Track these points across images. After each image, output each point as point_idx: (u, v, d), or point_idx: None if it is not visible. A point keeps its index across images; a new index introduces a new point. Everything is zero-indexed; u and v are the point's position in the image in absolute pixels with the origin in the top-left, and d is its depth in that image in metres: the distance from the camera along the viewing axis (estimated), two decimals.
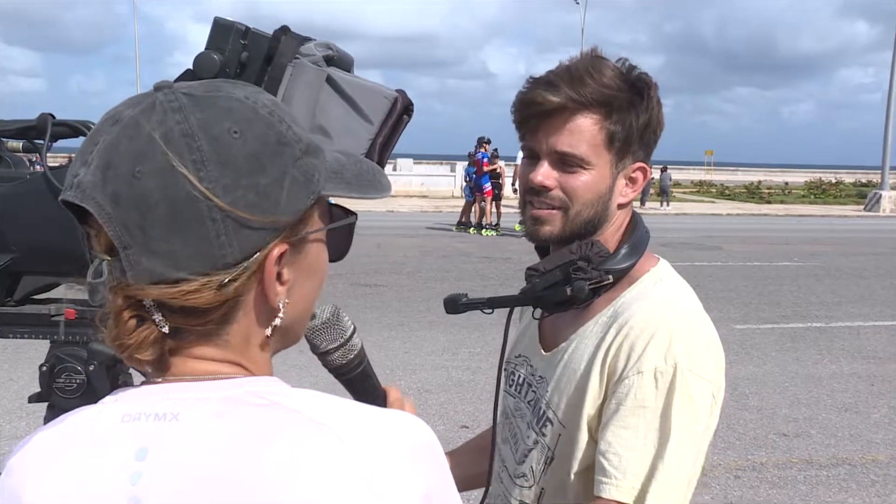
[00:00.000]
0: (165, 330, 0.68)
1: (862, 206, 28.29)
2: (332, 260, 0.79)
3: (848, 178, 44.50)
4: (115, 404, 0.70)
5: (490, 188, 16.95)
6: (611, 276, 1.21)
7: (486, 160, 16.82)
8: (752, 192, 34.34)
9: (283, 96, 1.14)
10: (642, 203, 26.20)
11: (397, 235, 16.05)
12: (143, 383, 0.73)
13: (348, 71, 1.23)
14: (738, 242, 16.20)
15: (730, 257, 13.80)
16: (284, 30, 1.16)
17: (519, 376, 1.39)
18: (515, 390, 1.40)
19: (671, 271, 1.29)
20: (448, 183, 28.67)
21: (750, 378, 6.27)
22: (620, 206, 1.27)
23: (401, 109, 1.19)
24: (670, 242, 15.42)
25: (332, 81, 1.16)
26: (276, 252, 0.68)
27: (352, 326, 1.07)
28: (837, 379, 6.37)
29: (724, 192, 35.28)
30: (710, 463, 4.55)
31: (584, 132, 1.19)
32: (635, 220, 1.31)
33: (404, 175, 29.03)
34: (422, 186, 28.48)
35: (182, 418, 0.66)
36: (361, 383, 1.09)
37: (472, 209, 17.51)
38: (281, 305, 0.71)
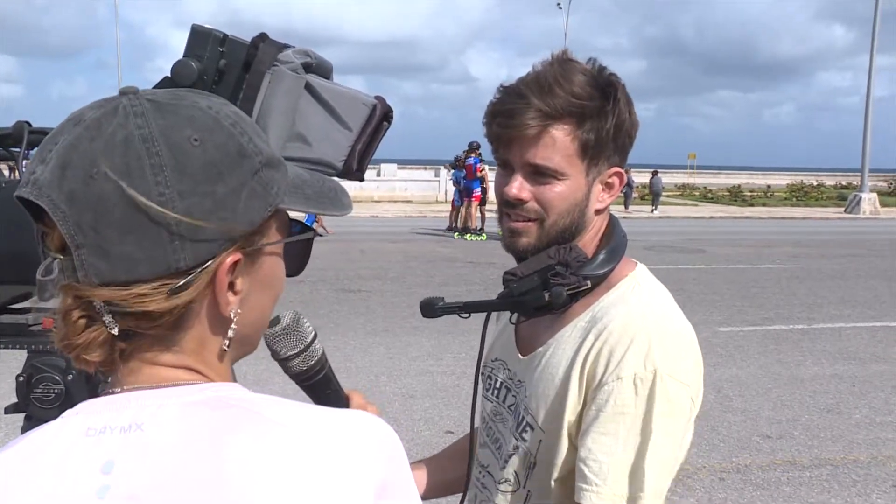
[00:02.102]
0: (115, 331, 0.68)
1: (843, 209, 28.57)
2: (289, 274, 0.80)
3: (829, 181, 44.93)
4: (76, 417, 0.70)
5: (479, 193, 16.99)
6: (589, 282, 1.22)
7: (478, 165, 16.87)
8: (735, 195, 34.58)
9: (261, 104, 1.14)
10: (626, 207, 26.34)
11: (381, 241, 16.03)
12: (103, 393, 0.72)
13: (327, 78, 1.23)
14: (722, 245, 16.31)
15: (713, 260, 13.88)
16: (263, 37, 1.15)
17: (497, 380, 1.39)
18: (493, 394, 1.39)
19: (649, 276, 1.29)
20: (432, 188, 28.68)
21: (733, 380, 6.30)
22: (598, 212, 1.27)
23: (380, 116, 1.18)
24: (654, 246, 15.49)
25: (310, 88, 1.16)
26: (228, 261, 0.68)
27: (312, 332, 1.08)
28: (819, 380, 6.42)
29: (707, 196, 35.50)
30: (688, 463, 4.57)
31: (556, 144, 1.19)
32: (613, 225, 1.31)
33: (388, 180, 29.02)
34: (406, 191, 28.47)
35: (146, 428, 0.66)
36: (322, 389, 1.10)
37: (459, 214, 17.52)
38: (233, 315, 0.71)
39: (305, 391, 1.09)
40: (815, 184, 40.40)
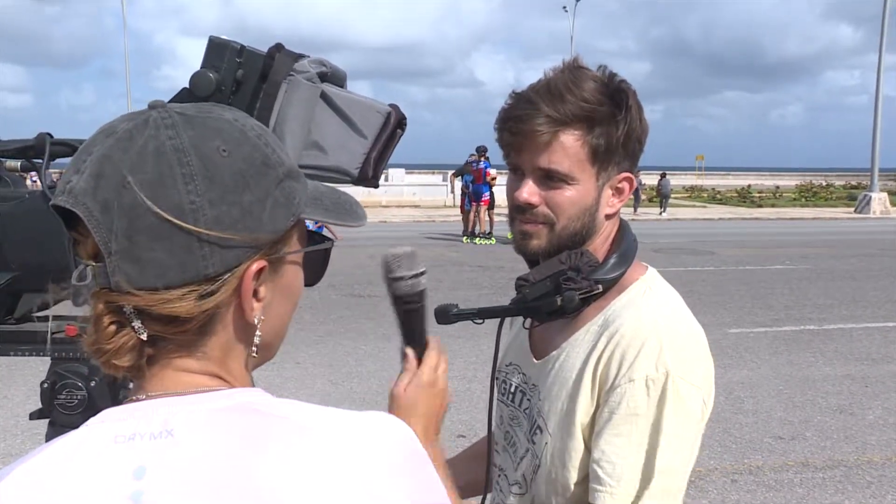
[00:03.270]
0: (144, 337, 0.70)
1: (852, 209, 28.44)
2: (307, 284, 0.82)
3: (838, 181, 44.74)
4: (101, 426, 0.71)
5: (488, 197, 16.98)
6: (600, 286, 1.23)
7: (488, 169, 16.86)
8: (744, 197, 34.49)
9: (278, 113, 1.16)
10: (634, 210, 26.30)
11: (390, 245, 15.95)
12: (127, 401, 0.74)
13: (341, 86, 1.25)
14: (731, 247, 16.26)
15: (723, 262, 13.85)
16: (279, 47, 1.17)
17: (511, 385, 1.41)
18: (509, 399, 1.41)
19: (660, 279, 1.31)
20: (440, 192, 28.69)
21: (744, 382, 6.29)
22: (608, 217, 1.29)
23: (394, 124, 1.20)
24: (663, 248, 15.47)
25: (326, 97, 1.18)
26: (254, 267, 0.71)
27: (424, 267, 1.16)
28: (831, 381, 6.40)
29: (716, 197, 35.42)
30: (700, 465, 4.57)
31: (567, 149, 1.20)
32: (623, 229, 1.33)
33: (396, 185, 29.04)
34: (414, 196, 28.50)
35: (177, 434, 0.68)
36: (415, 320, 1.17)
37: (470, 218, 17.51)
38: (257, 321, 0.73)
39: (400, 317, 1.16)
40: (824, 184, 40.25)
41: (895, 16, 28.16)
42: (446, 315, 1.35)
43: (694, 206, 31.01)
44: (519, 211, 1.27)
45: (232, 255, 0.69)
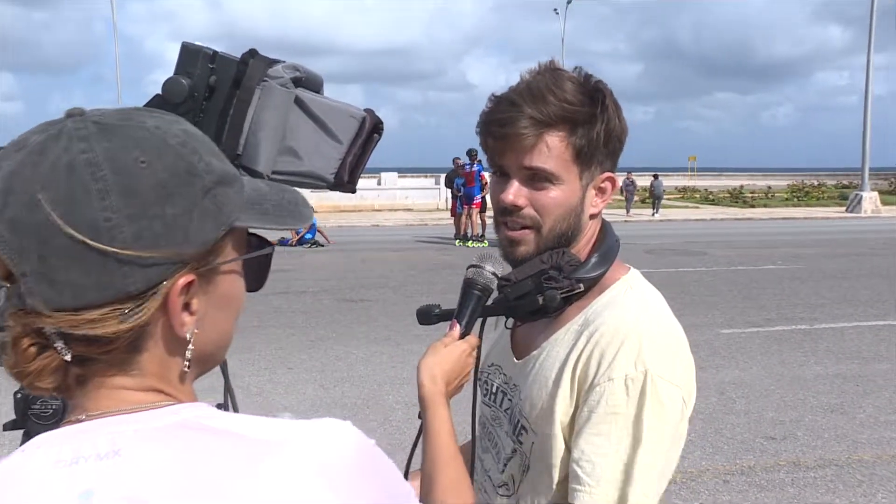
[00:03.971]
0: (68, 358, 0.67)
1: (844, 208, 28.55)
2: (249, 290, 0.80)
3: (830, 181, 44.92)
4: (38, 451, 0.68)
5: (479, 200, 17.00)
6: (582, 285, 1.24)
7: (482, 172, 16.85)
8: (736, 197, 34.59)
9: (252, 119, 1.16)
10: (627, 211, 26.34)
11: (382, 250, 16.04)
12: (64, 423, 0.70)
13: (318, 91, 1.25)
14: (723, 247, 16.31)
15: (714, 262, 13.88)
16: (252, 53, 1.17)
17: (493, 385, 1.41)
18: (490, 399, 1.41)
19: (641, 279, 1.31)
20: (433, 196, 28.70)
21: (736, 382, 6.30)
22: (592, 217, 1.29)
23: (369, 128, 1.20)
24: (655, 249, 15.51)
25: (300, 103, 1.18)
26: (181, 282, 0.68)
27: (500, 274, 1.29)
28: (823, 380, 6.41)
29: (708, 198, 35.50)
30: (692, 466, 4.57)
31: (551, 150, 1.21)
32: (605, 230, 1.33)
33: (388, 189, 29.03)
34: (406, 200, 28.50)
35: (124, 454, 0.65)
36: (468, 303, 1.28)
37: (462, 221, 17.51)
38: (189, 336, 0.70)
39: (461, 296, 1.29)
40: (815, 184, 40.40)
41: (883, 16, 28.32)
42: (428, 316, 1.35)
43: (686, 206, 31.09)
44: (505, 213, 1.27)
45: (155, 272, 0.66)
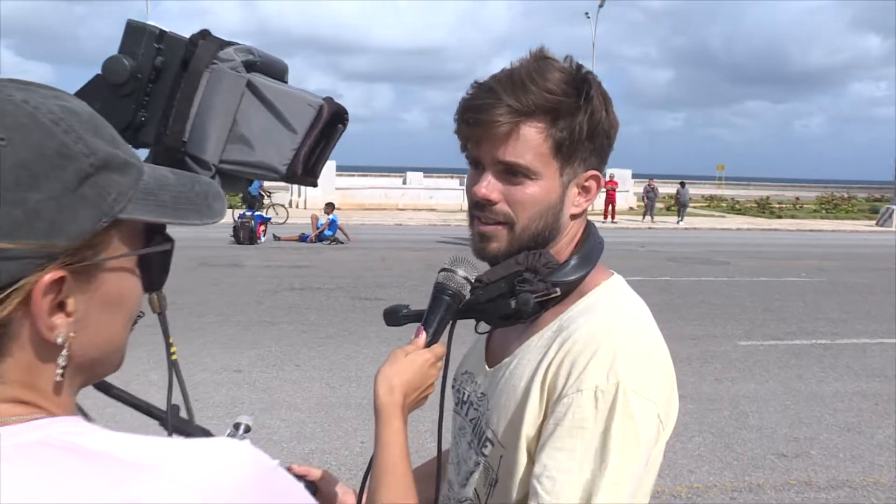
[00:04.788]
0: None
1: (874, 222, 28.08)
2: (147, 290, 0.72)
3: (861, 194, 44.24)
4: None
5: None
6: (558, 289, 1.15)
7: None
8: (763, 207, 34.15)
9: (199, 104, 1.09)
10: (651, 218, 26.09)
11: (403, 249, 16.00)
12: None
13: (280, 79, 1.17)
14: (747, 257, 16.05)
15: (737, 272, 13.66)
16: (203, 34, 1.10)
17: (465, 394, 1.33)
18: (461, 409, 1.33)
19: (624, 285, 1.22)
20: (457, 196, 28.65)
21: (751, 396, 6.15)
22: (573, 217, 1.21)
23: (327, 118, 1.12)
24: (677, 257, 15.30)
25: (253, 88, 1.10)
26: (46, 279, 0.60)
27: (472, 280, 1.19)
28: (841, 398, 6.24)
29: (735, 207, 35.09)
30: (699, 481, 4.44)
31: (528, 141, 1.13)
32: (588, 231, 1.25)
33: (413, 189, 29.04)
34: (430, 200, 28.47)
35: None
36: (437, 309, 1.19)
37: None
38: (60, 340, 0.62)
39: (430, 301, 1.20)
40: (846, 196, 39.79)
41: None
42: (395, 316, 1.27)
43: (712, 215, 30.76)
44: (477, 207, 1.19)
45: (14, 266, 0.58)
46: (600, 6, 44.24)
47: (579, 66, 1.16)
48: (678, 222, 25.78)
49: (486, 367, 1.28)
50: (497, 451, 1.18)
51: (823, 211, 33.84)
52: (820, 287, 12.11)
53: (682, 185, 27.36)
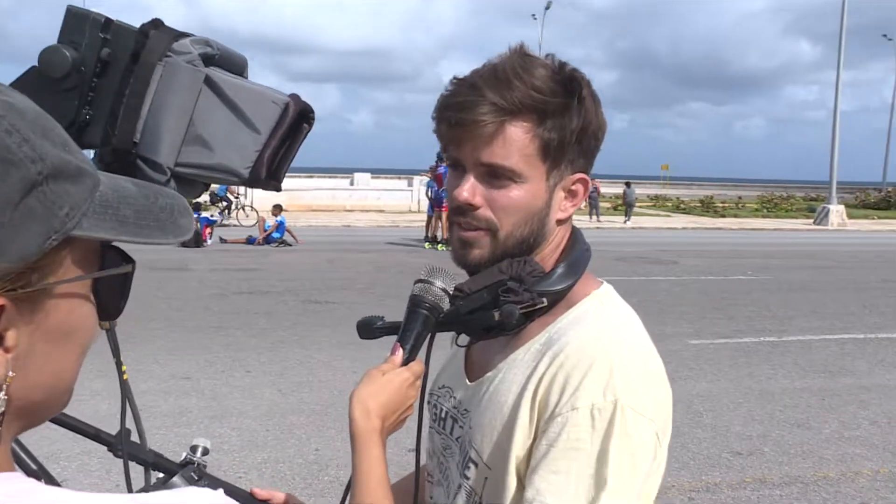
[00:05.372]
0: None
1: (812, 220, 28.86)
2: (103, 318, 0.62)
3: (798, 193, 45.51)
4: None
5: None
6: (545, 299, 1.08)
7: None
8: (707, 206, 34.80)
9: (153, 100, 0.99)
10: (597, 218, 26.37)
11: (351, 251, 15.83)
12: None
13: (241, 75, 1.08)
14: (694, 256, 16.31)
15: (685, 271, 13.85)
16: (155, 23, 1.00)
17: (443, 409, 1.25)
18: (440, 426, 1.25)
19: (615, 295, 1.16)
20: (405, 197, 28.52)
21: (704, 395, 6.20)
22: (559, 222, 1.14)
23: (293, 117, 1.04)
24: (626, 257, 15.46)
25: (211, 84, 1.01)
26: None
27: (450, 291, 1.12)
28: (790, 394, 6.34)
29: (680, 207, 35.70)
30: None
31: (514, 142, 1.06)
32: (575, 237, 1.18)
33: (361, 190, 28.81)
34: (378, 201, 28.27)
35: None
36: (413, 323, 1.11)
37: (432, 223, 17.36)
38: None
39: (406, 314, 1.13)
40: (784, 196, 40.87)
41: (851, 34, 28.68)
42: (369, 329, 1.19)
43: (658, 215, 31.22)
44: (458, 212, 1.11)
45: None
46: (546, 8, 44.64)
47: (563, 64, 1.09)
48: (625, 222, 26.09)
49: (467, 381, 1.20)
50: (482, 472, 1.10)
51: (765, 210, 34.65)
52: (765, 285, 12.35)
53: (628, 185, 27.71)
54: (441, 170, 16.76)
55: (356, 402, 1.04)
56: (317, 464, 4.61)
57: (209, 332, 7.86)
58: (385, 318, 1.20)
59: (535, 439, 1.04)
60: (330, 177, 29.73)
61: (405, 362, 1.10)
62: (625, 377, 1.00)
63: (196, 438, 1.34)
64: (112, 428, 1.25)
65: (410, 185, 28.83)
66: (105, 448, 1.26)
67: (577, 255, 1.14)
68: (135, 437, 1.26)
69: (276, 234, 16.87)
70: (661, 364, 1.07)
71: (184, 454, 1.32)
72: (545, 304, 1.08)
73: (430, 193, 17.43)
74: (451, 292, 1.11)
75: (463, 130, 1.07)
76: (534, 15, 45.49)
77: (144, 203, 0.60)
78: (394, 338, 1.15)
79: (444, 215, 16.92)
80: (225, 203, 18.37)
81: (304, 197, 25.71)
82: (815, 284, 12.54)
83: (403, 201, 28.36)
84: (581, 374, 1.01)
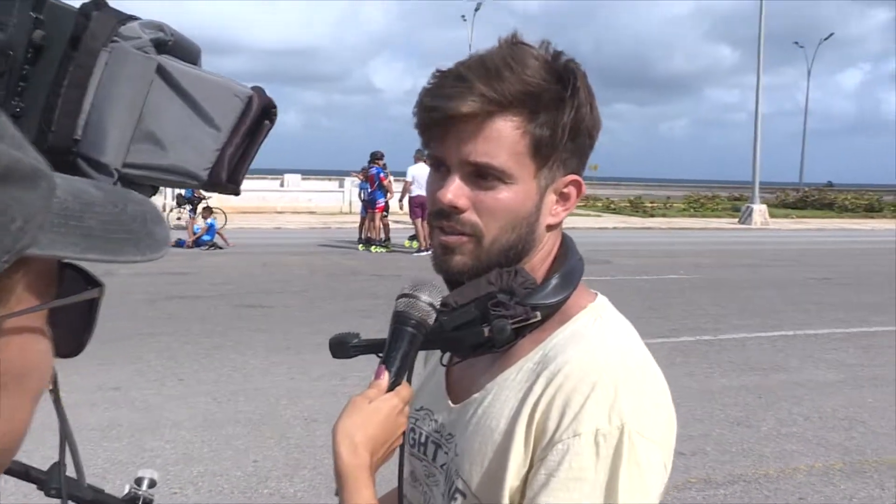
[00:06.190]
0: None
1: (736, 219, 29.72)
2: (62, 354, 0.50)
3: (723, 193, 46.87)
4: None
5: (382, 204, 16.71)
6: (538, 313, 0.99)
7: (381, 175, 16.57)
8: (637, 207, 35.50)
9: (96, 92, 0.86)
10: None
11: (284, 253, 15.51)
12: None
13: (194, 63, 0.96)
14: (626, 256, 16.54)
15: (618, 271, 14.03)
16: (98, 4, 0.87)
17: (421, 434, 1.14)
18: (421, 451, 1.15)
19: (611, 308, 1.09)
20: (336, 199, 28.21)
21: None
22: (549, 228, 1.06)
23: (257, 112, 0.92)
24: None
25: (164, 73, 0.88)
26: None
27: (438, 306, 1.02)
28: (728, 392, 6.43)
29: (610, 207, 36.32)
30: None
31: (503, 138, 0.97)
32: (566, 245, 1.10)
33: (292, 191, 28.37)
34: (309, 202, 27.87)
35: None
36: (399, 342, 1.01)
37: (365, 225, 17.17)
38: None
39: (389, 333, 1.02)
40: (710, 195, 42.04)
41: (769, 40, 29.69)
42: (344, 347, 1.07)
43: (589, 214, 31.67)
44: (441, 216, 1.01)
45: None
46: (476, 9, 44.86)
47: (558, 53, 1.00)
48: None
49: (450, 402, 1.10)
50: (469, 503, 1.01)
51: (692, 210, 35.52)
52: (697, 284, 12.60)
53: None
54: (373, 171, 16.61)
55: (342, 437, 0.93)
56: (255, 476, 4.43)
57: (138, 339, 7.55)
58: (360, 335, 1.09)
59: (530, 468, 0.95)
60: (260, 178, 29.12)
61: (391, 386, 0.99)
62: (630, 399, 0.93)
63: (141, 469, 1.21)
64: (40, 456, 1.09)
65: (342, 186, 28.51)
66: (35, 487, 1.11)
67: (571, 265, 1.06)
68: (71, 472, 1.12)
69: (206, 237, 16.42)
70: (665, 383, 1.00)
71: (127, 487, 1.18)
72: (538, 318, 0.99)
73: (362, 195, 17.26)
74: (438, 307, 1.01)
75: (448, 125, 0.98)
76: (463, 16, 45.71)
77: (112, 211, 0.48)
78: (371, 358, 1.04)
79: (377, 216, 16.76)
80: (190, 206, 17.52)
81: (233, 198, 25.11)
82: (744, 283, 12.85)
83: (335, 203, 28.04)
84: (583, 396, 0.92)
